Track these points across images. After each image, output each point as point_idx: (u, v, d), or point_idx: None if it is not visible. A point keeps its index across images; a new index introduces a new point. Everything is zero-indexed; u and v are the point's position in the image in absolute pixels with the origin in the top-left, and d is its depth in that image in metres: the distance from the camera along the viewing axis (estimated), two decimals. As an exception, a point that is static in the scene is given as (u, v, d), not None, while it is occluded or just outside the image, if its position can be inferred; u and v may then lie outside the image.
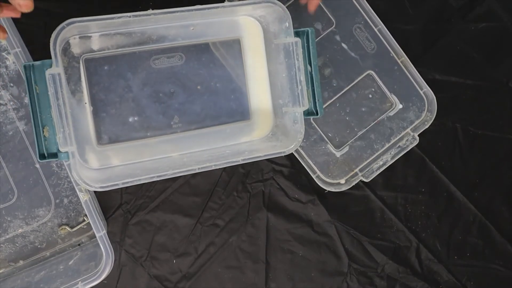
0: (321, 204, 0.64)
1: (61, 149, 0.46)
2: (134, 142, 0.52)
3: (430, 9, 0.66)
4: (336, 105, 0.62)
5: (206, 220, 0.64)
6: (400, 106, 0.62)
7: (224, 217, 0.64)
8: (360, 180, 0.62)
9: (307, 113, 0.52)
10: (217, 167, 0.50)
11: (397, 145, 0.62)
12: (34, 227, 0.62)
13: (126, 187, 0.63)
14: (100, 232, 0.54)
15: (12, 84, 0.60)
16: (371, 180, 0.62)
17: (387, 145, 0.62)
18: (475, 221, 0.66)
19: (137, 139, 0.52)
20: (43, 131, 0.47)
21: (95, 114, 0.51)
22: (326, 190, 0.62)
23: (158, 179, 0.48)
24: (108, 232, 0.61)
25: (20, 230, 0.62)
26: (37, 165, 0.61)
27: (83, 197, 0.54)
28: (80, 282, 0.54)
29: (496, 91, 0.66)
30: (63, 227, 0.62)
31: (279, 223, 0.64)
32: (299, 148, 0.62)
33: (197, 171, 0.49)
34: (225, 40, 0.54)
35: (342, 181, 0.62)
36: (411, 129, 0.62)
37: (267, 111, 0.56)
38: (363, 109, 0.62)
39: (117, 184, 0.47)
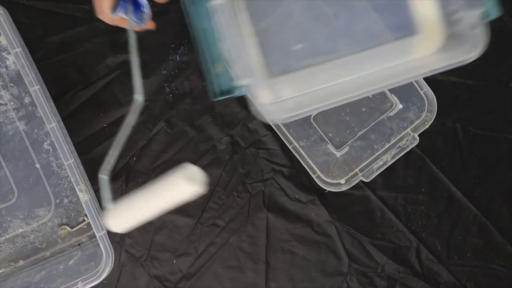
0: (321, 204, 0.64)
1: (237, 84, 0.44)
2: (302, 71, 0.49)
3: (430, 9, 0.66)
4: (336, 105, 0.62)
5: (206, 220, 0.64)
6: (400, 106, 0.62)
7: (224, 217, 0.64)
8: (360, 180, 0.62)
9: (485, 15, 0.45)
10: (391, 87, 0.46)
11: (397, 145, 0.62)
12: (34, 227, 0.62)
13: (127, 186, 0.63)
14: (100, 232, 0.54)
15: (12, 84, 0.60)
16: (371, 180, 0.62)
17: (387, 145, 0.62)
18: (475, 221, 0.66)
19: (305, 68, 0.49)
20: (215, 68, 0.44)
21: (261, 46, 0.48)
22: (326, 190, 0.62)
23: (334, 105, 0.46)
24: (108, 232, 0.61)
25: (20, 230, 0.62)
26: (37, 165, 0.61)
27: (83, 197, 0.54)
28: (80, 282, 0.54)
29: (496, 91, 0.66)
30: (63, 227, 0.62)
31: (279, 223, 0.64)
32: (299, 148, 0.62)
33: (371, 93, 0.46)
34: None
35: (342, 181, 0.62)
36: (411, 129, 0.62)
37: (436, 21, 0.50)
38: (363, 109, 0.62)
39: (303, 113, 0.45)
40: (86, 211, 0.54)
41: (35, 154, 0.61)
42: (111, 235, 0.63)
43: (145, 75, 0.62)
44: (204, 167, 0.64)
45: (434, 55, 0.51)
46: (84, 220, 0.62)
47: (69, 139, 0.59)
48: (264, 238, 0.64)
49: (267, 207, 0.65)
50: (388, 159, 0.61)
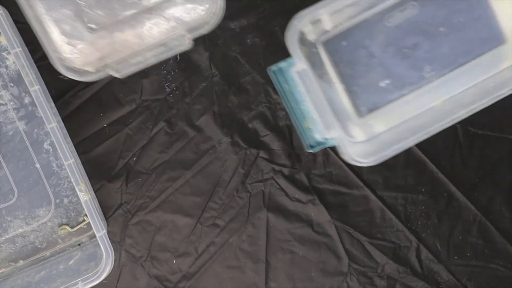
0: (321, 204, 0.64)
1: (326, 136, 0.48)
2: (392, 104, 0.52)
3: (430, 9, 0.66)
4: None
5: (206, 220, 0.64)
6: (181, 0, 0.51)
7: (224, 217, 0.64)
8: (113, 76, 0.52)
9: None
10: (485, 105, 0.47)
11: (166, 45, 0.52)
12: (34, 227, 0.62)
13: (127, 186, 0.63)
14: (100, 232, 0.55)
15: (12, 84, 0.60)
16: (371, 180, 0.62)
17: (152, 42, 0.51)
18: (475, 221, 0.66)
19: (394, 100, 0.52)
20: (305, 124, 0.50)
21: (347, 90, 0.51)
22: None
23: (426, 136, 0.48)
24: (108, 232, 0.61)
25: (20, 230, 0.62)
26: (37, 165, 0.61)
27: (83, 197, 0.54)
28: (80, 282, 0.54)
29: (496, 91, 0.66)
30: (63, 227, 0.62)
31: (279, 223, 0.65)
32: (46, 22, 0.50)
33: (464, 116, 0.47)
34: None
35: (91, 69, 0.51)
36: (187, 30, 0.51)
37: None
38: None
39: (386, 154, 0.48)
40: (86, 211, 0.54)
41: (35, 154, 0.61)
42: (111, 235, 0.63)
43: (145, 74, 0.62)
44: (204, 167, 0.64)
45: None
46: (84, 220, 0.62)
47: (69, 139, 0.59)
48: (264, 238, 0.65)
49: (267, 207, 0.65)
50: (150, 57, 0.51)
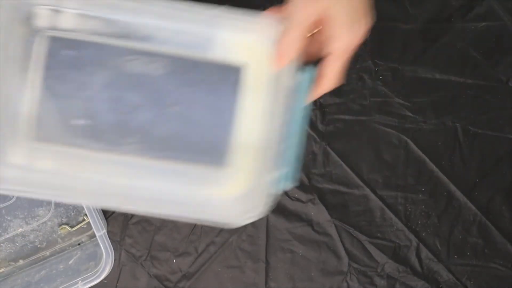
0: (321, 203, 0.64)
1: None
2: (73, 150, 0.41)
3: (430, 8, 0.66)
4: None
5: (206, 219, 0.64)
6: None
7: (224, 217, 0.64)
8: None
9: (282, 177, 0.40)
10: (140, 212, 0.38)
11: None
12: (34, 226, 0.62)
13: (126, 187, 0.63)
14: (100, 231, 0.55)
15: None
16: (371, 180, 0.62)
17: None
18: (475, 221, 0.66)
19: (78, 147, 0.41)
20: None
21: (38, 102, 0.40)
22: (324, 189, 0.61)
23: (63, 200, 0.40)
24: (108, 232, 0.61)
25: (20, 230, 0.62)
26: (37, 165, 0.61)
27: (83, 197, 0.54)
28: (80, 281, 0.54)
29: (496, 90, 0.66)
30: (63, 226, 0.62)
31: (279, 223, 0.64)
32: None
33: (123, 210, 0.40)
34: (226, 63, 0.41)
35: None
36: None
37: (248, 163, 0.41)
38: None
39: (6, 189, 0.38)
40: (86, 210, 0.54)
41: None
42: (111, 234, 0.63)
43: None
44: (204, 167, 0.64)
45: (224, 201, 0.42)
46: (84, 220, 0.62)
47: (69, 138, 0.59)
48: (264, 238, 0.64)
49: (267, 207, 0.65)
50: None
